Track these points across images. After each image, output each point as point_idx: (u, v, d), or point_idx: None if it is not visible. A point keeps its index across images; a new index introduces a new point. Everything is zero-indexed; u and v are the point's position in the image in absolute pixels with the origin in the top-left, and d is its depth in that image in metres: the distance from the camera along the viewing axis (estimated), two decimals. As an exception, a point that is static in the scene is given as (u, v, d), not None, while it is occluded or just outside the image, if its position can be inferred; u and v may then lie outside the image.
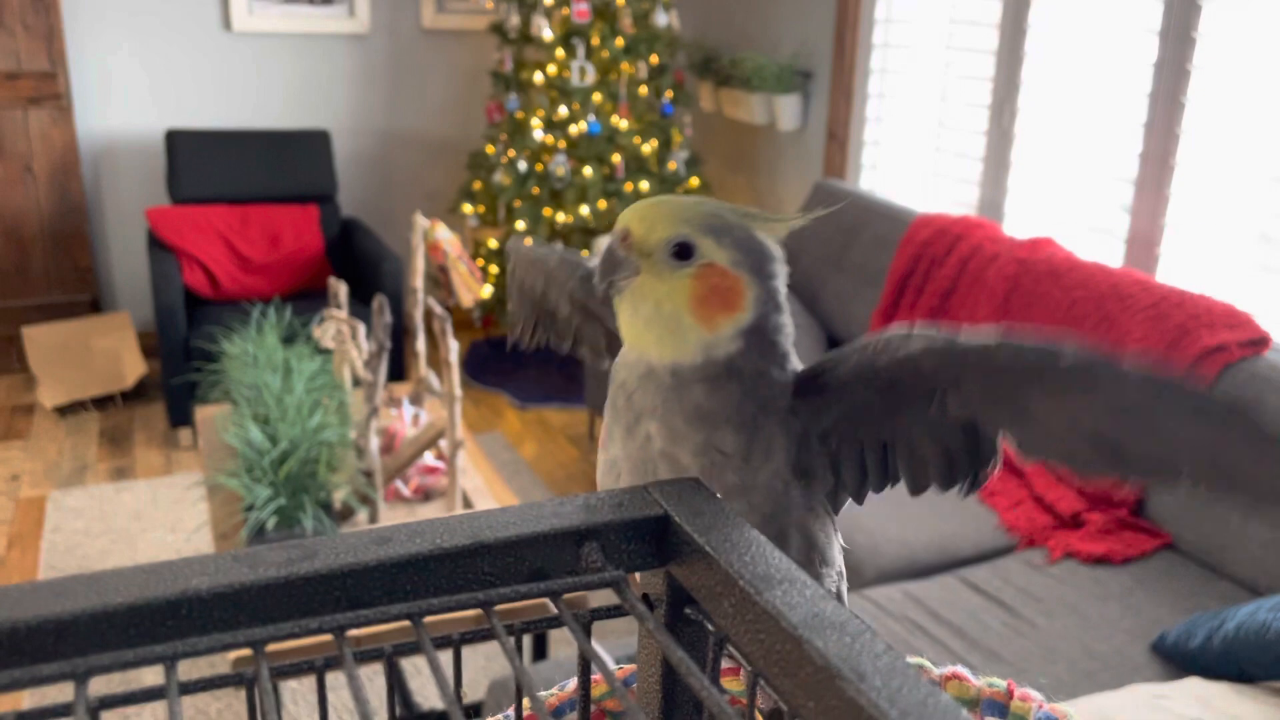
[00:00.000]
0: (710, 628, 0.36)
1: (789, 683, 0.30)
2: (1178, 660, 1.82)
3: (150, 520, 3.07)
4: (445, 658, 0.43)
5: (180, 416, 3.53)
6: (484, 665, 2.43)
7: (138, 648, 0.32)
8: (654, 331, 0.48)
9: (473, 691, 2.32)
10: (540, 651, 2.14)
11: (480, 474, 2.39)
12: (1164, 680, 1.74)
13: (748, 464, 0.48)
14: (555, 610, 0.35)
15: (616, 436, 0.51)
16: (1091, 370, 0.41)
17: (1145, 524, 2.23)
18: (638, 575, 0.40)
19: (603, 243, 3.27)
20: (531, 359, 4.37)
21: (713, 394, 0.48)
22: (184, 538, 2.95)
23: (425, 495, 2.27)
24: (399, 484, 2.26)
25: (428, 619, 0.34)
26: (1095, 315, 2.42)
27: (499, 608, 0.35)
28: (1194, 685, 1.62)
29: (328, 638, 0.34)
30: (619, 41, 3.84)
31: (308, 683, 2.33)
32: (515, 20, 3.91)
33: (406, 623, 0.34)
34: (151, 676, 2.05)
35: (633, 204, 0.49)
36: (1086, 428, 0.43)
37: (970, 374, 0.45)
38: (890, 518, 2.25)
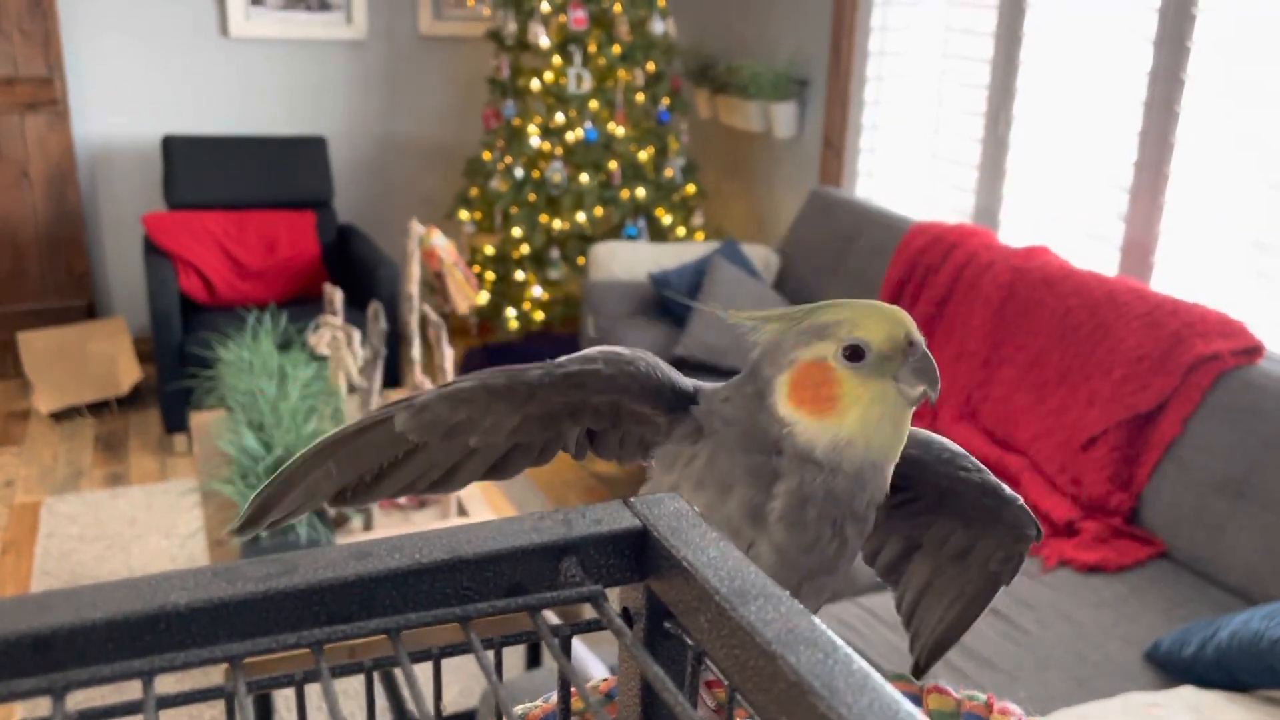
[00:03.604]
0: (688, 642, 0.36)
1: (763, 698, 0.31)
2: (1171, 669, 1.82)
3: (145, 526, 3.06)
4: (427, 671, 0.43)
5: (175, 422, 3.53)
6: (477, 673, 2.43)
7: (116, 663, 0.32)
8: (901, 428, 0.51)
9: (466, 699, 2.31)
10: (534, 659, 2.14)
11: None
12: (1157, 689, 1.75)
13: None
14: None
15: (783, 564, 0.52)
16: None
17: (1139, 533, 2.24)
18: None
19: (598, 253, 3.21)
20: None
21: None
22: (178, 544, 2.95)
23: (420, 502, 2.27)
24: (393, 491, 2.25)
25: (411, 631, 0.34)
26: (1090, 323, 2.43)
27: (477, 622, 0.36)
28: (1187, 694, 1.63)
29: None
30: (616, 49, 3.84)
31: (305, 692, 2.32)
32: (512, 27, 3.91)
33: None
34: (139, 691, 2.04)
35: (895, 309, 0.50)
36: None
37: (967, 505, 0.57)
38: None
